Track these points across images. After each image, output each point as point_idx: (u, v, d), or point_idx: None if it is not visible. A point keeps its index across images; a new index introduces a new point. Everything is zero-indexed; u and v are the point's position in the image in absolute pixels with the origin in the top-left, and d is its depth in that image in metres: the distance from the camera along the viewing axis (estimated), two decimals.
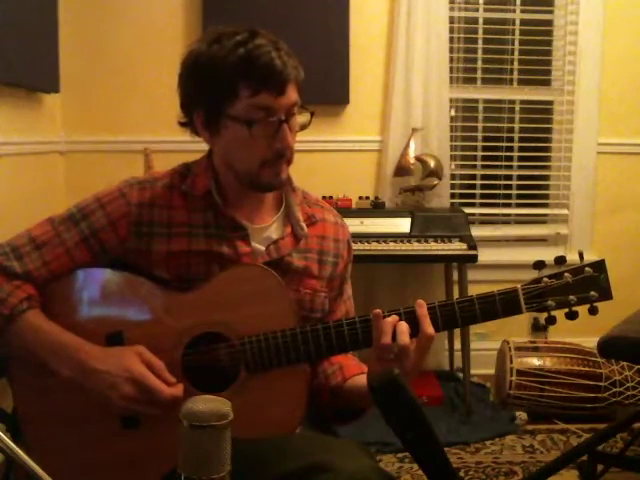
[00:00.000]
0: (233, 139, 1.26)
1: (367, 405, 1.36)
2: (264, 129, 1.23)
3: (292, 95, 1.25)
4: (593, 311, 1.22)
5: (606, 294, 1.22)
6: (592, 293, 1.22)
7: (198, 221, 1.31)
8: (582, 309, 1.23)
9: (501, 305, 1.22)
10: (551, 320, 1.24)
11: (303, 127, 1.31)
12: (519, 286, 1.23)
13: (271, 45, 1.23)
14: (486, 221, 3.47)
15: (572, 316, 1.22)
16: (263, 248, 1.33)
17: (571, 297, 1.21)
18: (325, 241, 1.40)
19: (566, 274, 1.22)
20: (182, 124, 1.33)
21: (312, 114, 1.30)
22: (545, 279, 1.23)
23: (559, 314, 1.24)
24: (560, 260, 1.24)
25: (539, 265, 1.24)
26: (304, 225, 1.36)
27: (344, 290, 1.45)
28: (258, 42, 1.22)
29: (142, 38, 3.15)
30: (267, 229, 1.35)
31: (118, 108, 3.17)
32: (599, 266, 1.23)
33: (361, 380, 1.31)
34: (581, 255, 1.26)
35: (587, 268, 1.22)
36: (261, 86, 1.21)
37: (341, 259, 1.42)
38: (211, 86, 1.24)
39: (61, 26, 2.95)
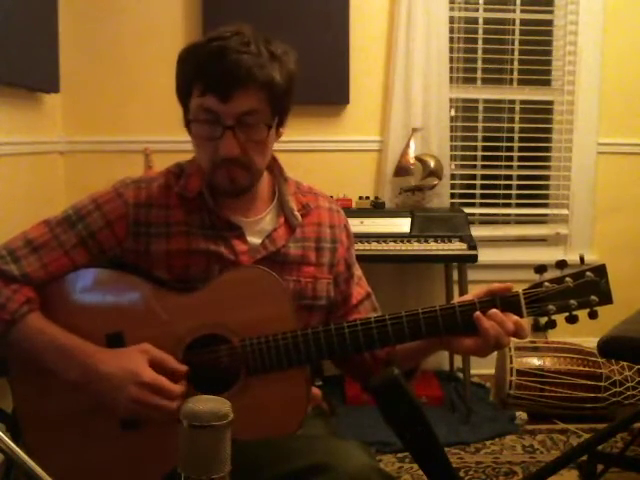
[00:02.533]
0: (191, 136, 1.28)
1: (417, 365, 1.35)
2: (203, 131, 1.23)
3: (245, 103, 1.20)
4: (593, 315, 1.22)
5: (606, 299, 1.22)
6: (592, 298, 1.21)
7: (195, 222, 1.31)
8: (582, 313, 1.23)
9: (502, 310, 1.21)
10: (551, 324, 1.24)
11: (252, 140, 1.25)
12: (520, 291, 1.23)
13: (242, 47, 1.19)
14: (486, 221, 3.47)
15: (572, 320, 1.22)
16: (259, 241, 1.33)
17: (572, 302, 1.21)
18: (321, 228, 1.39)
19: (567, 278, 1.22)
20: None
21: (269, 128, 1.25)
22: (546, 284, 1.22)
23: (559, 317, 1.23)
24: (561, 264, 1.23)
25: (540, 269, 1.24)
26: (298, 215, 1.36)
27: (353, 273, 1.44)
28: (228, 43, 1.19)
29: (142, 38, 3.15)
30: (261, 221, 1.35)
31: (118, 108, 3.17)
32: (600, 271, 1.22)
33: (412, 343, 1.29)
34: (582, 259, 1.25)
35: (588, 273, 1.22)
36: (208, 88, 1.20)
37: (340, 244, 1.41)
38: (181, 78, 1.26)
39: (61, 26, 2.95)
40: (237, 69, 1.18)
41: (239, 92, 1.19)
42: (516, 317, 1.20)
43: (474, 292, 1.26)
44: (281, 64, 1.24)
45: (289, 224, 1.36)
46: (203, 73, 1.21)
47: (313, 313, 1.35)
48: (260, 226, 1.35)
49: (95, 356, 1.20)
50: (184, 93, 1.25)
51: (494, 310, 1.20)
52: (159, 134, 3.05)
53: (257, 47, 1.21)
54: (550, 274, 1.23)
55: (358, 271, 1.47)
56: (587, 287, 1.22)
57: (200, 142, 1.26)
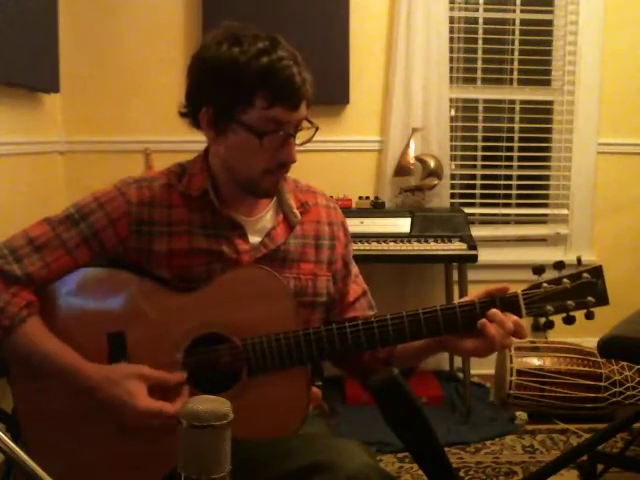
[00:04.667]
0: (239, 145, 1.26)
1: (415, 365, 1.38)
2: (273, 141, 1.24)
3: (303, 111, 1.27)
4: (590, 316, 1.24)
5: (603, 300, 1.24)
6: (589, 299, 1.23)
7: (197, 221, 1.31)
8: (579, 313, 1.24)
9: (502, 310, 1.22)
10: (549, 324, 1.25)
11: (304, 142, 1.32)
12: (520, 291, 1.24)
13: (292, 59, 1.24)
14: (486, 221, 3.47)
15: (569, 321, 1.24)
16: (259, 239, 1.33)
17: (569, 302, 1.23)
18: (320, 225, 1.41)
19: (565, 280, 1.24)
20: (182, 114, 1.32)
21: (316, 129, 1.32)
22: (545, 285, 1.24)
23: (556, 318, 1.25)
24: (559, 265, 1.25)
25: (539, 270, 1.25)
26: (297, 212, 1.37)
27: (350, 270, 1.46)
28: (280, 54, 1.23)
29: (142, 38, 3.15)
30: (262, 219, 1.36)
31: (118, 108, 3.17)
32: (596, 272, 1.24)
33: (412, 343, 1.30)
34: (579, 260, 1.27)
35: (585, 274, 1.24)
36: (278, 99, 1.22)
37: (338, 241, 1.43)
38: (228, 89, 1.24)
39: (61, 26, 2.95)
40: (301, 79, 1.24)
41: (302, 101, 1.25)
42: (515, 317, 1.21)
43: (473, 294, 1.27)
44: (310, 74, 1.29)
45: (288, 221, 1.37)
46: (273, 84, 1.22)
47: (314, 310, 1.35)
48: (261, 224, 1.36)
49: (90, 379, 1.20)
50: (234, 103, 1.24)
51: (494, 310, 1.21)
52: (159, 134, 3.05)
53: (298, 57, 1.26)
54: (548, 275, 1.24)
55: (355, 268, 1.48)
56: (584, 288, 1.23)
57: (258, 152, 1.25)
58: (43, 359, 1.21)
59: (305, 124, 1.30)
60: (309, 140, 1.32)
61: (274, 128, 1.23)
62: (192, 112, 1.30)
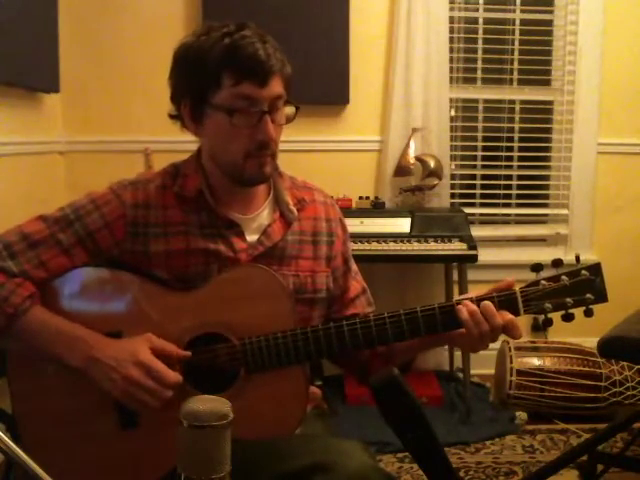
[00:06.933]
0: (216, 129, 1.27)
1: (412, 359, 1.38)
2: (245, 119, 1.23)
3: (276, 87, 1.25)
4: (588, 313, 1.24)
5: (602, 297, 1.23)
6: (588, 296, 1.23)
7: (193, 221, 1.31)
8: (578, 311, 1.23)
9: (499, 308, 1.22)
10: (548, 322, 1.25)
11: (288, 120, 1.31)
12: (517, 289, 1.24)
13: (257, 37, 1.23)
14: (486, 221, 3.47)
15: (568, 318, 1.24)
16: (256, 237, 1.33)
17: (568, 300, 1.22)
18: (317, 222, 1.40)
19: (563, 277, 1.23)
20: (172, 117, 1.33)
21: (297, 108, 1.31)
22: (543, 282, 1.23)
23: (555, 316, 1.24)
24: (557, 263, 1.25)
25: (537, 268, 1.25)
26: (293, 209, 1.37)
27: (350, 267, 1.46)
28: (244, 33, 1.23)
29: (142, 38, 3.15)
30: (258, 217, 1.36)
31: (118, 108, 3.17)
32: (595, 269, 1.24)
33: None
34: (577, 258, 1.26)
35: (583, 271, 1.23)
36: (244, 75, 1.22)
37: (336, 237, 1.42)
38: (196, 75, 1.25)
39: (61, 26, 2.95)
40: (267, 55, 1.22)
41: (272, 77, 1.23)
42: (511, 316, 1.21)
43: (476, 291, 1.27)
44: (285, 56, 1.28)
45: (284, 218, 1.36)
46: (237, 61, 1.21)
47: (314, 307, 1.35)
48: (258, 222, 1.35)
49: (99, 342, 1.21)
50: (205, 87, 1.24)
51: (486, 302, 1.21)
52: (159, 134, 3.04)
53: (267, 38, 1.26)
54: (546, 273, 1.24)
55: (354, 265, 1.48)
56: (583, 285, 1.23)
57: (234, 132, 1.24)
58: (51, 333, 1.21)
59: (285, 104, 1.29)
60: (292, 119, 1.31)
61: (245, 105, 1.23)
62: (178, 112, 1.31)
